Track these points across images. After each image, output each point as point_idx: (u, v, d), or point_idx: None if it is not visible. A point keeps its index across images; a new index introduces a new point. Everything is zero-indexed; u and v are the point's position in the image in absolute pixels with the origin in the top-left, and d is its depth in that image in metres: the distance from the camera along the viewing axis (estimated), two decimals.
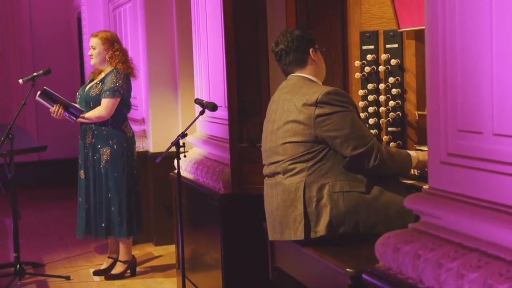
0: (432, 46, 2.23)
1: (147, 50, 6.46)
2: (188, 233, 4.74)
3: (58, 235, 7.05)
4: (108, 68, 5.39)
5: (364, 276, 2.44)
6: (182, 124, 6.36)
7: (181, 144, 4.22)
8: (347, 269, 2.72)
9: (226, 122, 4.17)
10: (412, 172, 3.33)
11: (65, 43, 10.45)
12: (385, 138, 3.63)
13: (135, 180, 5.44)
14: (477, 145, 2.05)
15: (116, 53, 5.37)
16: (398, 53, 3.61)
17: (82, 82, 9.44)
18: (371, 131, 3.63)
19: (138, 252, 6.16)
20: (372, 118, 3.70)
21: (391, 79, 3.61)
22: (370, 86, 3.71)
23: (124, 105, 5.36)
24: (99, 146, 5.31)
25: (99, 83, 5.35)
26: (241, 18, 4.03)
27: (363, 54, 3.74)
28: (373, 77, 3.73)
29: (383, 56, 3.65)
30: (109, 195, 5.31)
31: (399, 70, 3.62)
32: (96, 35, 5.42)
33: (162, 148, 5.83)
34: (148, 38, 6.44)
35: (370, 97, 3.71)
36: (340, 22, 3.97)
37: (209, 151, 4.78)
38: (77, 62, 10.24)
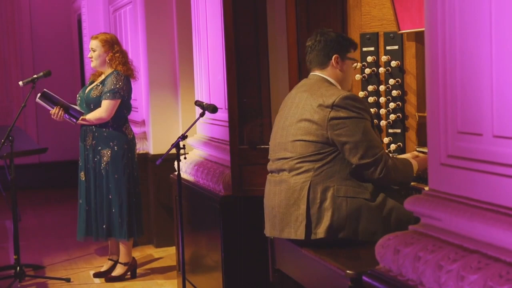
0: (432, 47, 2.23)
1: (147, 52, 6.46)
2: (188, 235, 4.74)
3: (58, 237, 7.05)
4: (108, 70, 5.39)
5: (364, 278, 2.43)
6: (182, 126, 6.36)
7: (181, 146, 4.22)
8: (347, 271, 2.72)
9: (227, 124, 4.17)
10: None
11: (65, 45, 10.45)
12: (385, 140, 3.63)
13: (136, 182, 5.44)
14: (477, 147, 2.04)
15: (116, 55, 5.37)
16: (398, 55, 3.61)
17: (82, 84, 9.44)
18: None
19: (139, 254, 6.16)
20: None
21: (391, 81, 3.61)
22: (370, 88, 3.71)
23: (124, 106, 5.36)
24: (99, 148, 5.31)
25: (99, 85, 5.36)
26: (241, 20, 4.03)
27: (364, 55, 3.74)
28: (374, 78, 3.73)
29: (384, 58, 3.65)
30: (110, 197, 5.31)
31: (400, 72, 3.62)
32: (96, 37, 5.42)
33: (163, 150, 5.83)
34: (148, 40, 6.45)
35: (371, 99, 3.71)
36: (340, 24, 3.97)
37: (210, 153, 4.78)
38: (77, 64, 10.24)
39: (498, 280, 1.83)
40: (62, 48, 10.44)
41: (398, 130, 3.62)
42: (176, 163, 4.28)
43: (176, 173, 4.28)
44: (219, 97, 4.58)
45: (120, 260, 5.48)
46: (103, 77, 5.42)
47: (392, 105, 3.64)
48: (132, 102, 5.52)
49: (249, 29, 4.09)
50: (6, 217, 7.59)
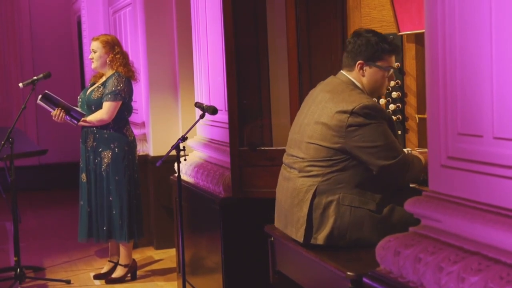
0: (432, 49, 2.23)
1: (147, 54, 6.46)
2: (188, 236, 4.73)
3: (59, 239, 7.05)
4: (109, 72, 5.39)
5: (364, 279, 2.43)
6: (182, 128, 6.36)
7: (181, 147, 4.22)
8: (348, 273, 2.71)
9: (227, 126, 4.17)
10: None
11: (65, 46, 10.46)
12: None
13: (136, 184, 5.44)
14: (477, 148, 2.04)
15: (117, 56, 5.37)
16: (398, 56, 3.61)
17: (82, 86, 9.45)
18: None
19: (139, 255, 6.16)
20: None
21: (391, 82, 3.61)
22: None
23: (125, 108, 5.36)
24: (100, 149, 5.31)
25: (100, 87, 5.36)
26: (241, 21, 4.03)
27: None
28: None
29: None
30: (110, 199, 5.31)
31: (400, 73, 3.62)
32: (96, 39, 5.42)
33: (163, 152, 5.83)
34: (148, 42, 6.45)
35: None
36: (340, 25, 3.97)
37: (210, 155, 4.78)
38: (77, 65, 10.24)
39: (498, 282, 1.82)
40: (62, 50, 10.45)
41: (398, 132, 3.62)
42: (176, 164, 4.28)
43: (176, 174, 4.28)
44: (219, 99, 4.58)
45: (120, 262, 5.48)
46: (104, 78, 5.42)
47: (392, 106, 3.64)
48: (132, 104, 5.52)
49: (249, 30, 4.08)
50: (6, 218, 7.58)
